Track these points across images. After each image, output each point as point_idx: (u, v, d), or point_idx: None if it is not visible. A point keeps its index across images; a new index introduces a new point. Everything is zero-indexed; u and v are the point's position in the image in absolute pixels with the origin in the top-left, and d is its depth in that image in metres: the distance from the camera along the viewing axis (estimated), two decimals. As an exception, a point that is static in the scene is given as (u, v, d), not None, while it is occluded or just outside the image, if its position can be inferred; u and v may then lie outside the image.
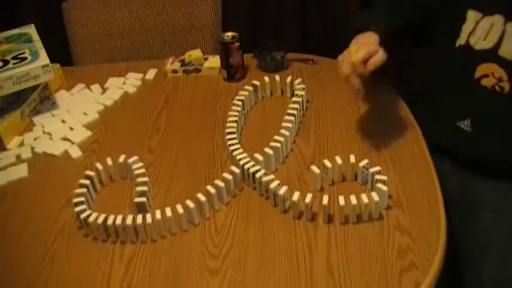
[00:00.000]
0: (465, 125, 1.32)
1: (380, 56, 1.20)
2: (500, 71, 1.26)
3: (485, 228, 1.30)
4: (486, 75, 1.28)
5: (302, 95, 1.43)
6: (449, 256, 1.06)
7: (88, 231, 1.16)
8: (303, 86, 1.46)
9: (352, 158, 1.21)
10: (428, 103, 1.43)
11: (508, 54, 1.24)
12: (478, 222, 1.31)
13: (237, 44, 1.56)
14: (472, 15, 1.30)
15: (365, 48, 1.20)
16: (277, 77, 1.51)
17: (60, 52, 1.77)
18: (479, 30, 1.28)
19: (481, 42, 1.28)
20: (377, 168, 1.17)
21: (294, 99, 1.42)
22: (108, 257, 1.11)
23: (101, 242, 1.15)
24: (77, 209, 1.16)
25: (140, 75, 1.70)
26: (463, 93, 1.34)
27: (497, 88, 1.27)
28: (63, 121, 1.54)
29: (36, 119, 1.56)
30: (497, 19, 1.25)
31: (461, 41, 1.32)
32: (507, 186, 1.32)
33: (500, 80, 1.26)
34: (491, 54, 1.27)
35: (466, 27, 1.30)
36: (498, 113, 1.29)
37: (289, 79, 1.50)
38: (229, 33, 1.58)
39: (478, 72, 1.29)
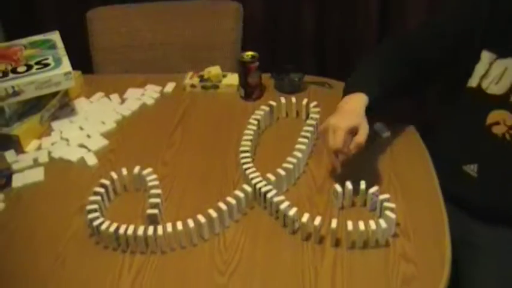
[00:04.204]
0: (471, 169, 1.32)
1: (361, 137, 1.20)
2: None
3: (480, 271, 1.29)
4: (497, 123, 1.27)
5: (317, 118, 1.44)
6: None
7: (99, 238, 1.18)
8: (318, 109, 1.48)
9: (363, 185, 1.22)
10: (436, 140, 1.42)
11: None
12: (474, 265, 1.30)
13: (256, 64, 1.58)
14: (486, 55, 1.27)
15: (341, 133, 1.20)
16: (293, 99, 1.53)
17: (81, 59, 1.79)
18: (492, 74, 1.26)
19: (493, 87, 1.27)
20: (386, 195, 1.19)
21: (309, 121, 1.44)
22: (118, 265, 1.13)
23: (111, 250, 1.17)
24: (90, 216, 1.18)
25: (159, 88, 1.72)
26: (473, 138, 1.32)
27: (507, 136, 1.26)
28: (81, 128, 1.56)
29: (55, 124, 1.58)
30: (511, 63, 1.24)
31: (473, 83, 1.30)
32: (505, 232, 1.31)
33: (511, 128, 1.25)
34: (503, 101, 1.25)
35: (480, 68, 1.28)
36: (506, 161, 1.28)
37: (305, 101, 1.51)
38: (249, 53, 1.60)
39: (489, 120, 1.28)
